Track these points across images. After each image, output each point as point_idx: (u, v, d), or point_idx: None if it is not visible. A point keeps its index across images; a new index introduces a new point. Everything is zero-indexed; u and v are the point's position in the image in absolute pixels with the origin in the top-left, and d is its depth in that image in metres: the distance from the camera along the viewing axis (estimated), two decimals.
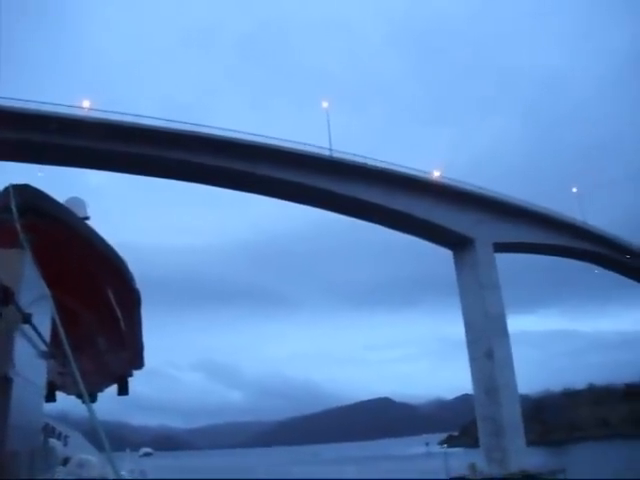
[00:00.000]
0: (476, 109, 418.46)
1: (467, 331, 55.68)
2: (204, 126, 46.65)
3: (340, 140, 53.02)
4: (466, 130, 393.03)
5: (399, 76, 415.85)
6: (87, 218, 6.17)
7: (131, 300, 6.79)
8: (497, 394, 52.29)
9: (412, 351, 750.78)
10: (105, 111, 43.96)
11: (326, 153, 50.72)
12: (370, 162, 52.17)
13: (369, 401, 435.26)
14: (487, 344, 53.14)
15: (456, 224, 54.96)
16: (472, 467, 53.60)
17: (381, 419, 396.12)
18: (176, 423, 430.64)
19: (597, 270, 79.72)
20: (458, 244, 56.49)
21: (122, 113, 44.60)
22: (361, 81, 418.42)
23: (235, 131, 47.67)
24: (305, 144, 50.00)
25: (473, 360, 54.79)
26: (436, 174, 56.79)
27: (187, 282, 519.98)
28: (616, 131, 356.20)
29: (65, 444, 7.80)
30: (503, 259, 63.17)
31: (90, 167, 49.12)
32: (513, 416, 52.58)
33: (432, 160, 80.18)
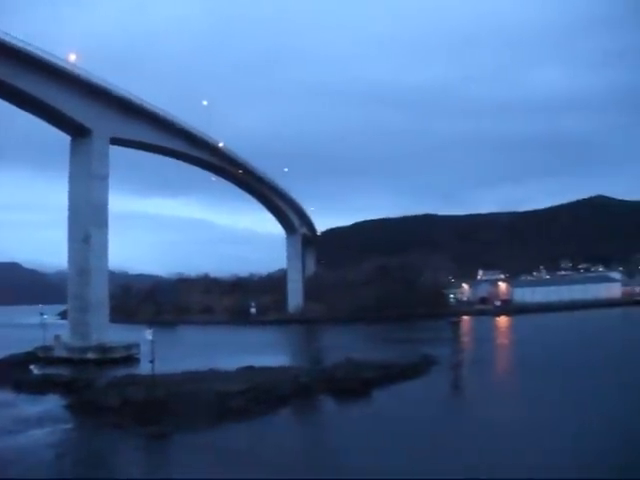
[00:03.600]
0: None
1: (70, 216, 58.44)
2: None
3: None
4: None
5: None
6: None
7: None
8: (88, 276, 56.99)
9: (51, 218, 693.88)
10: None
11: None
12: None
13: None
14: (86, 230, 56.87)
15: (77, 113, 55.77)
16: (57, 338, 58.39)
17: (8, 285, 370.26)
18: None
19: (214, 178, 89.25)
20: (77, 133, 57.56)
21: None
22: None
23: None
24: None
25: (71, 243, 58.24)
26: (72, 58, 55.43)
27: None
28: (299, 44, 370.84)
29: None
30: None
31: None
32: (100, 297, 58.20)
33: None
